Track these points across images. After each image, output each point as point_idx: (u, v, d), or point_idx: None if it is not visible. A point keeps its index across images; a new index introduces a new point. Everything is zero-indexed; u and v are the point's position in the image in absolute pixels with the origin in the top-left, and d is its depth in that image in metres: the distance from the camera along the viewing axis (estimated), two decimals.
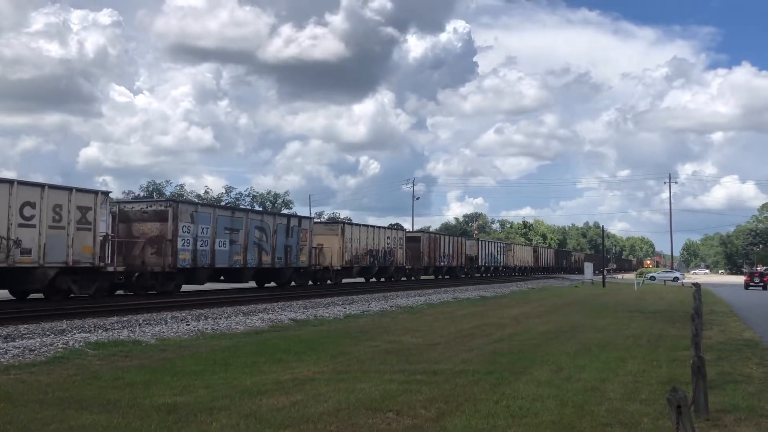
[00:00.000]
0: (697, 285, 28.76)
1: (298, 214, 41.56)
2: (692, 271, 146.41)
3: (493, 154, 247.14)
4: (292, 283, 33.85)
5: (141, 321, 17.10)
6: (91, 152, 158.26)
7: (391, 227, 56.69)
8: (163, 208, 26.04)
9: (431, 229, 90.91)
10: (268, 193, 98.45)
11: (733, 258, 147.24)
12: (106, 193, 22.90)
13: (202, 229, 26.78)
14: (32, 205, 19.90)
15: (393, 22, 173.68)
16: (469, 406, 8.18)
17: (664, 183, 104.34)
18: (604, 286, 50.46)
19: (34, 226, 19.94)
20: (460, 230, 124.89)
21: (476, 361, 11.63)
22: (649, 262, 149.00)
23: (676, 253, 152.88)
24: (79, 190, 21.83)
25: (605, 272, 60.64)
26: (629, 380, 10.08)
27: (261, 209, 55.03)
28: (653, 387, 9.47)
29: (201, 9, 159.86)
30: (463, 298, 30.66)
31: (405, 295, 30.16)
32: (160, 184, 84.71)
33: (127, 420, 7.29)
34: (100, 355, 11.92)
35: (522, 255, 76.93)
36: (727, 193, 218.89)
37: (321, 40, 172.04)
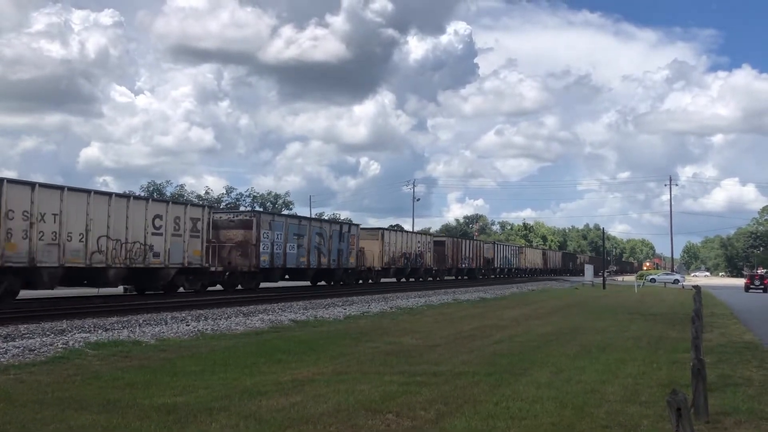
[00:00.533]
0: (697, 287, 28.75)
1: (348, 221, 48.53)
2: (692, 274, 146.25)
3: (493, 156, 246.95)
4: (341, 282, 37.71)
5: (141, 321, 17.10)
6: (91, 152, 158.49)
7: (421, 232, 61.45)
8: (248, 218, 31.39)
9: (431, 231, 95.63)
10: (269, 193, 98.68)
11: (734, 260, 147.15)
12: (210, 207, 29.08)
13: (277, 235, 31.78)
14: (160, 218, 24.56)
15: (394, 24, 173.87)
16: (469, 407, 8.18)
17: (665, 185, 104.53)
18: (604, 288, 50.47)
19: (161, 234, 24.55)
20: (460, 232, 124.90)
21: (476, 363, 11.63)
22: (648, 264, 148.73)
23: (677, 256, 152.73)
24: (192, 204, 28.87)
25: (605, 274, 60.70)
26: (629, 382, 10.08)
27: (321, 218, 56.31)
28: (653, 389, 9.47)
29: (202, 10, 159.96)
30: (463, 299, 30.64)
31: (408, 296, 30.16)
32: (160, 185, 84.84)
33: (127, 420, 7.29)
34: (100, 355, 11.92)
35: (533, 257, 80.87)
36: (727, 196, 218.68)
37: (322, 41, 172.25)
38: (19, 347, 12.21)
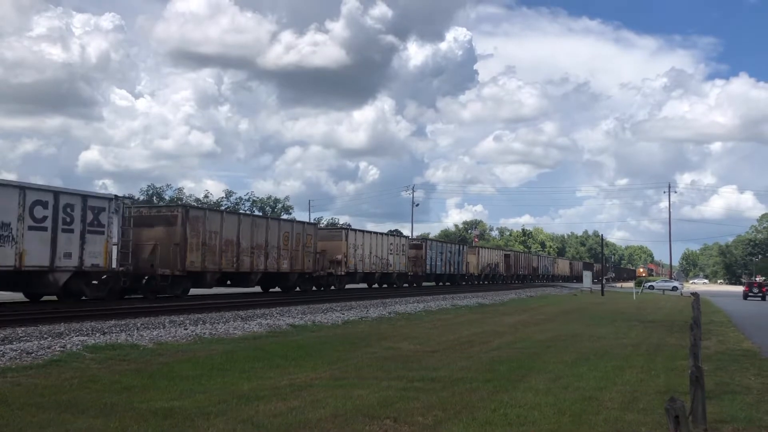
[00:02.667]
0: (695, 295, 28.74)
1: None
2: (691, 281, 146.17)
3: (492, 162, 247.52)
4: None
5: (139, 325, 17.08)
6: (91, 155, 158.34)
7: (499, 248, 79.48)
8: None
9: (431, 236, 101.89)
10: (268, 198, 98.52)
11: (732, 268, 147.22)
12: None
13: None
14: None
15: (394, 30, 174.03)
16: (467, 413, 8.17)
17: (664, 192, 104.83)
18: (602, 294, 50.44)
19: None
20: (459, 237, 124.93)
21: (474, 369, 11.62)
22: (642, 270, 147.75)
23: (675, 263, 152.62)
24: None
25: (604, 281, 60.72)
26: (627, 389, 10.06)
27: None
28: (651, 396, 9.46)
29: (202, 15, 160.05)
30: (461, 305, 30.62)
31: (407, 301, 30.14)
32: (160, 188, 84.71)
33: (124, 424, 7.27)
34: (97, 358, 11.90)
35: (563, 266, 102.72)
36: (725, 203, 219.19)
37: (321, 47, 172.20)
38: (16, 350, 12.18)
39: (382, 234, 45.16)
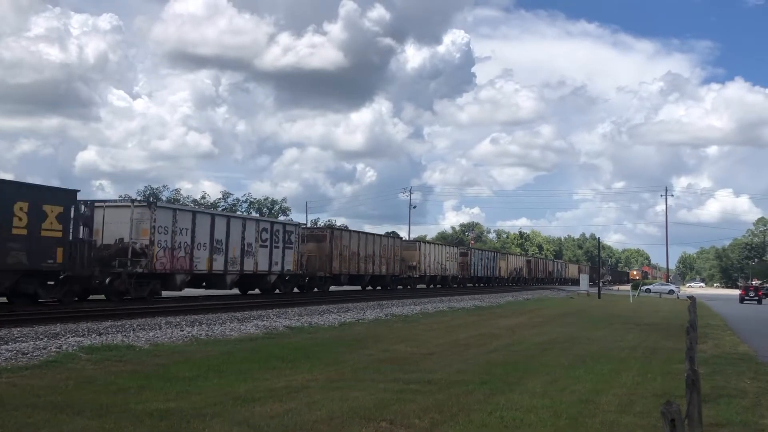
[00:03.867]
0: (692, 298, 28.78)
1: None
2: (688, 284, 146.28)
3: (489, 164, 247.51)
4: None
5: (135, 326, 17.05)
6: (88, 156, 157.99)
7: (524, 254, 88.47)
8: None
9: (427, 238, 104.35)
10: (266, 199, 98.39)
11: (729, 271, 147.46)
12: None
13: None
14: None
15: (391, 33, 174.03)
16: (463, 416, 8.16)
17: (660, 195, 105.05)
18: (599, 297, 50.48)
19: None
20: (456, 239, 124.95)
21: (471, 371, 11.62)
22: (636, 272, 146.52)
23: (672, 266, 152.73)
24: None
25: (600, 284, 60.82)
26: (624, 392, 10.07)
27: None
28: (647, 400, 9.47)
29: (200, 16, 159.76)
30: (458, 307, 30.61)
31: (404, 303, 30.12)
32: (156, 189, 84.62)
33: (120, 425, 7.26)
34: (93, 359, 11.87)
35: (572, 270, 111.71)
36: (721, 207, 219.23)
37: (319, 49, 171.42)
38: (12, 350, 12.16)
39: (442, 244, 60.01)
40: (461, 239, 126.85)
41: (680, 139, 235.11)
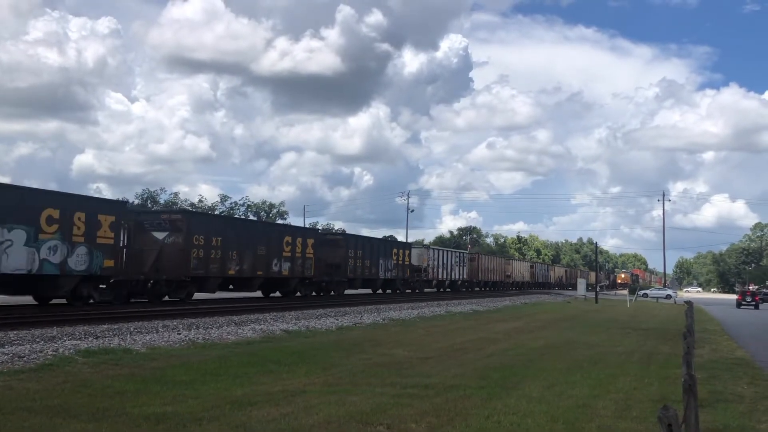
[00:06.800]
0: (689, 303, 28.79)
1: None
2: (685, 289, 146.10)
3: (486, 169, 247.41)
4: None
5: (132, 329, 17.01)
6: (85, 159, 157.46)
7: (531, 260, 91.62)
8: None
9: (425, 242, 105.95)
10: (263, 203, 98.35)
11: (726, 276, 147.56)
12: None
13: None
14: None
15: (388, 38, 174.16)
16: (460, 420, 8.16)
17: (658, 200, 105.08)
18: (596, 302, 50.50)
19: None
20: (453, 244, 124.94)
21: (468, 376, 11.61)
22: (623, 275, 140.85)
23: (669, 271, 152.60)
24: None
25: (598, 288, 60.85)
26: (621, 397, 10.07)
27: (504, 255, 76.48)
28: (644, 404, 9.47)
29: (197, 21, 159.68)
30: (456, 312, 30.58)
31: (401, 307, 30.09)
32: (154, 192, 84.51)
33: (116, 429, 7.25)
34: (90, 362, 11.84)
35: (573, 275, 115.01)
36: (717, 212, 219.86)
37: (316, 54, 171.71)
38: (8, 354, 12.12)
39: (452, 250, 60.99)
40: (459, 243, 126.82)
41: (676, 144, 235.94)
